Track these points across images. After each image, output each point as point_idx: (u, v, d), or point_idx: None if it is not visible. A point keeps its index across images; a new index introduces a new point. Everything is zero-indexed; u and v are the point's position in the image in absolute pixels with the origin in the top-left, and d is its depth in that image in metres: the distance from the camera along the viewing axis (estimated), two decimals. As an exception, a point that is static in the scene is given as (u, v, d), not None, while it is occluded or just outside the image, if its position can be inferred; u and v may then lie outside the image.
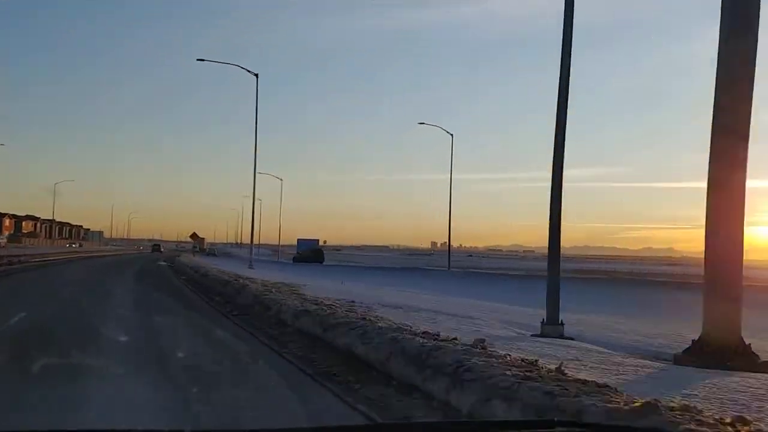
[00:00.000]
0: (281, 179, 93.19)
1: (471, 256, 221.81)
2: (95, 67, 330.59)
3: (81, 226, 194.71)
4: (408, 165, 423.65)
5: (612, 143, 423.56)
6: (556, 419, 3.83)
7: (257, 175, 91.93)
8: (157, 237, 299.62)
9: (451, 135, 59.56)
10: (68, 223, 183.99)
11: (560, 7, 15.04)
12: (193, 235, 70.85)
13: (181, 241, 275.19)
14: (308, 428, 5.09)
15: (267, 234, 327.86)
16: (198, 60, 45.26)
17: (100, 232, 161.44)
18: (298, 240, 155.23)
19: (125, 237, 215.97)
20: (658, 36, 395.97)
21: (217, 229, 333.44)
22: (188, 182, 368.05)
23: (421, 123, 59.46)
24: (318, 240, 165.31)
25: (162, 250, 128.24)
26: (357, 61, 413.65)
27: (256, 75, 44.64)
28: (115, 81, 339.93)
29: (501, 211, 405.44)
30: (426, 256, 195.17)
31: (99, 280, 27.39)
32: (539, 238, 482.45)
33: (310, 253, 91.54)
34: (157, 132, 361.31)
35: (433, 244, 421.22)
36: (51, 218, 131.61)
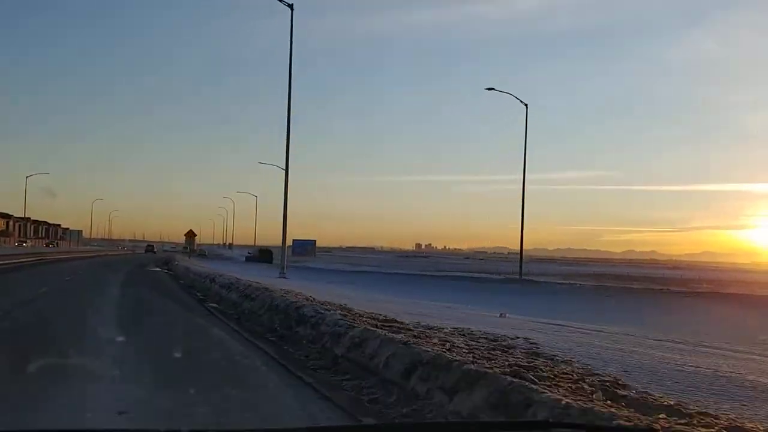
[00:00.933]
0: (285, 169, 79.35)
1: (468, 258, 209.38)
2: (77, 64, 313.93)
3: (59, 225, 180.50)
4: (392, 167, 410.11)
5: (595, 147, 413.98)
6: (549, 420, 4.33)
7: (260, 166, 78.59)
8: (139, 238, 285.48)
9: (526, 105, 46.41)
10: (45, 222, 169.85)
11: None
12: (189, 233, 57.33)
13: (165, 242, 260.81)
14: (306, 428, 4.79)
15: (257, 234, 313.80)
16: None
17: (79, 232, 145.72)
18: (293, 240, 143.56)
19: (106, 237, 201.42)
20: (641, 40, 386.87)
21: (202, 230, 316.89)
22: (172, 181, 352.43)
23: (489, 89, 45.96)
24: (315, 241, 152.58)
25: (155, 251, 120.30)
26: (356, 61, 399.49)
27: (291, 5, 31.21)
28: (96, 78, 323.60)
29: (483, 212, 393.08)
30: (423, 258, 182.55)
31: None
32: (527, 241, 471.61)
33: (258, 254, 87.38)
34: (138, 130, 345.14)
35: (417, 245, 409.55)
36: (23, 215, 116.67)
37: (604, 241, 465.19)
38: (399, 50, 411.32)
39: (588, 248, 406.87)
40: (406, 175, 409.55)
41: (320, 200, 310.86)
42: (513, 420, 4.99)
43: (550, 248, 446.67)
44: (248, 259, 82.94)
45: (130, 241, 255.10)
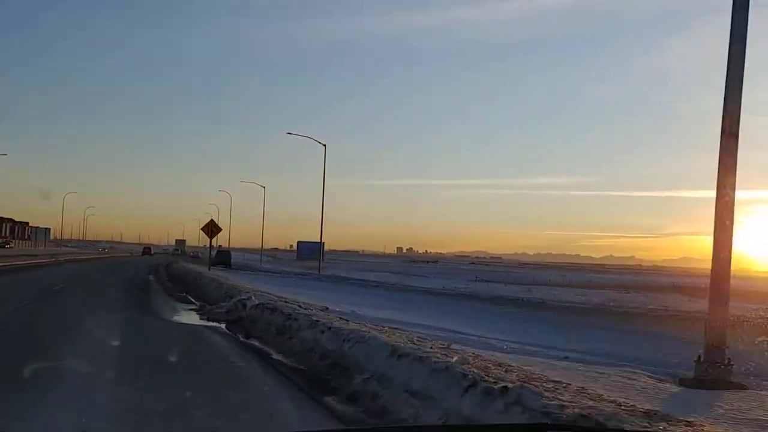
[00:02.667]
0: (325, 144, 53.69)
1: (473, 263, 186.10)
2: (57, 55, 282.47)
3: (27, 223, 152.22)
4: (372, 169, 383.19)
5: (575, 153, 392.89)
6: (548, 422, 4.19)
7: (292, 137, 52.97)
8: (117, 239, 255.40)
9: None
10: (10, 219, 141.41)
11: None
12: (210, 224, 32.20)
13: (146, 243, 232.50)
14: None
15: (248, 237, 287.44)
16: None
17: (46, 230, 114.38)
18: (298, 242, 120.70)
19: (81, 238, 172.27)
20: (626, 49, 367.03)
21: (186, 231, 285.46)
22: (152, 179, 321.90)
23: None
24: (323, 243, 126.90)
25: (152, 253, 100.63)
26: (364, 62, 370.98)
27: None
28: (69, 70, 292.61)
29: (463, 217, 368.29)
30: (433, 263, 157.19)
31: None
32: (504, 245, 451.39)
33: (217, 258, 70.53)
34: (115, 126, 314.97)
35: (399, 249, 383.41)
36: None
37: (583, 246, 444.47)
38: (378, 56, 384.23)
39: (568, 253, 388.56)
40: (385, 179, 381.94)
41: (297, 202, 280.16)
42: (511, 423, 4.73)
43: (530, 252, 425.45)
44: (213, 264, 64.72)
45: (107, 242, 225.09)
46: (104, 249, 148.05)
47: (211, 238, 34.22)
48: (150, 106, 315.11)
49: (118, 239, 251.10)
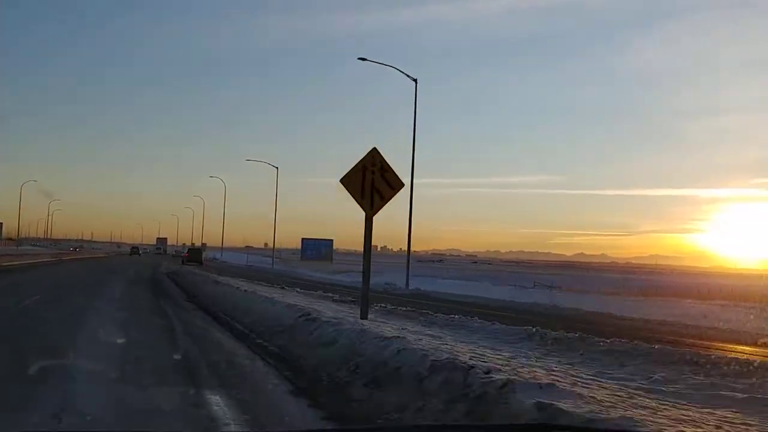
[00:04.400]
0: (415, 80, 32.87)
1: (476, 263, 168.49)
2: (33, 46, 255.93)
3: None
4: (344, 167, 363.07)
5: (548, 152, 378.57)
6: (547, 423, 3.96)
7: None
8: (87, 238, 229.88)
9: None
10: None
11: None
12: (371, 160, 13.75)
13: (117, 241, 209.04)
14: (307, 431, 4.61)
15: (231, 236, 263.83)
16: None
17: None
18: (302, 240, 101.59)
19: (47, 237, 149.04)
20: (600, 50, 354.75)
21: (162, 228, 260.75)
22: (127, 175, 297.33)
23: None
24: (332, 240, 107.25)
25: (140, 253, 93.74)
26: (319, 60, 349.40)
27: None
28: (30, 56, 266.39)
29: (435, 215, 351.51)
30: (438, 263, 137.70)
31: None
32: (477, 243, 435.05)
33: (189, 255, 66.26)
34: (91, 120, 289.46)
35: (374, 247, 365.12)
36: None
37: (554, 244, 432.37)
38: (344, 53, 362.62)
39: (540, 251, 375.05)
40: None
41: (254, 202, 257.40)
42: (509, 423, 4.69)
43: (502, 251, 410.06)
44: (184, 262, 59.90)
45: (77, 240, 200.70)
46: (75, 248, 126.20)
47: (374, 207, 13.00)
48: (120, 96, 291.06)
49: (89, 238, 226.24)
